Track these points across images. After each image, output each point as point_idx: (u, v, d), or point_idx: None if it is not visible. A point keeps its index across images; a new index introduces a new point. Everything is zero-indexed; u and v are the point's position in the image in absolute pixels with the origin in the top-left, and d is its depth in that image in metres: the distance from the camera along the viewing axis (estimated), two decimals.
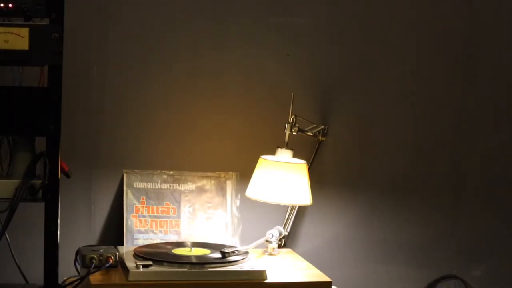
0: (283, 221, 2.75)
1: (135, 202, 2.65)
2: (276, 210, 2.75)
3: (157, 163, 2.71)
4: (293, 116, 2.69)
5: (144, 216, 2.65)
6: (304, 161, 2.66)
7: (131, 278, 2.27)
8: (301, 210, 2.81)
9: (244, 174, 2.72)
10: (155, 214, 2.66)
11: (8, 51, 2.06)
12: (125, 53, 2.68)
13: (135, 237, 2.62)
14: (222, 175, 2.74)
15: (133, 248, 2.49)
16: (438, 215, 2.94)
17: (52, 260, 2.15)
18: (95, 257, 2.33)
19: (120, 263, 2.38)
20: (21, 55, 2.07)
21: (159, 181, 2.69)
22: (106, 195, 2.69)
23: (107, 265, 2.33)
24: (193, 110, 2.75)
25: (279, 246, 2.71)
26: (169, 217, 2.67)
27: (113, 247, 2.47)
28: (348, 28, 2.85)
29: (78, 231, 2.66)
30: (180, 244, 2.55)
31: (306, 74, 2.82)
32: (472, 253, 2.97)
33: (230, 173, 2.75)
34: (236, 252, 2.44)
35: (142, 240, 2.62)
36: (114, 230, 2.67)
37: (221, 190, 2.74)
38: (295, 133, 2.69)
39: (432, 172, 2.93)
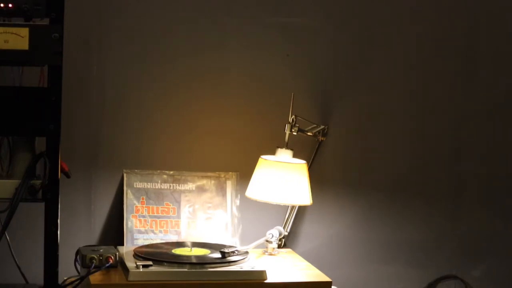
0: (283, 221, 2.75)
1: (135, 202, 2.65)
2: (276, 210, 2.75)
3: (157, 163, 2.71)
4: (293, 116, 2.69)
5: (144, 216, 2.65)
6: (304, 161, 2.66)
7: (131, 278, 2.27)
8: (301, 210, 2.81)
9: (244, 174, 2.72)
10: (155, 214, 2.66)
11: (8, 51, 2.06)
12: (125, 53, 2.68)
13: (135, 237, 2.62)
14: (222, 175, 2.74)
15: (133, 248, 2.49)
16: (438, 215, 2.94)
17: (52, 260, 2.15)
18: (95, 257, 2.33)
19: (120, 263, 2.38)
20: (21, 55, 2.07)
21: (159, 181, 2.69)
22: (106, 195, 2.69)
23: (107, 265, 2.33)
24: (193, 110, 2.75)
25: (279, 246, 2.71)
26: (169, 217, 2.67)
27: (113, 247, 2.47)
28: (348, 28, 2.85)
29: (78, 231, 2.66)
30: (180, 244, 2.55)
31: (306, 74, 2.82)
32: (472, 253, 2.97)
33: (230, 173, 2.75)
34: (236, 252, 2.44)
35: (142, 240, 2.62)
36: (114, 230, 2.67)
37: (221, 190, 2.74)
38: (295, 133, 2.69)
39: (432, 172, 2.93)
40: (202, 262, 2.37)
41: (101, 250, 2.38)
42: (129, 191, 2.66)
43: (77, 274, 2.41)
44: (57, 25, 2.09)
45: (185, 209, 2.69)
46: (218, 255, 2.41)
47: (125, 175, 2.66)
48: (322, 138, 2.81)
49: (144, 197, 2.66)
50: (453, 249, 2.95)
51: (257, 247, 2.61)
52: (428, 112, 2.92)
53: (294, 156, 2.66)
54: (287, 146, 2.66)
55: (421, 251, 2.93)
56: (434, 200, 2.94)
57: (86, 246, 2.46)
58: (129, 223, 2.63)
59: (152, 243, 2.60)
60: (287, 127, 2.68)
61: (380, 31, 2.87)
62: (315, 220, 2.85)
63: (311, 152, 2.81)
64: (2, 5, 2.08)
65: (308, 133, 2.75)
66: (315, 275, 2.48)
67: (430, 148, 2.93)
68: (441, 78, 2.92)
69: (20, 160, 2.18)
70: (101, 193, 2.69)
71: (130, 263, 2.33)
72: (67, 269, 2.44)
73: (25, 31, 2.06)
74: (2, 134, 2.17)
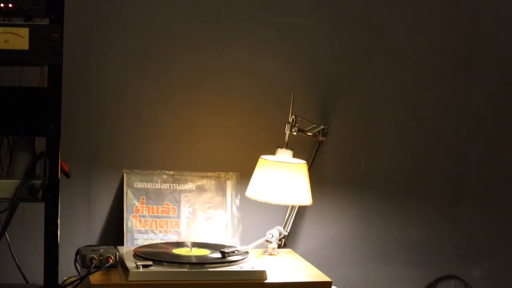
0: (283, 221, 2.75)
1: (135, 202, 2.65)
2: (276, 210, 2.75)
3: (157, 163, 2.71)
4: (293, 116, 2.69)
5: (144, 216, 2.65)
6: (304, 161, 2.66)
7: (131, 278, 2.27)
8: (301, 210, 2.81)
9: (244, 174, 2.72)
10: (155, 214, 2.66)
11: (8, 51, 2.05)
12: (125, 53, 2.68)
13: (135, 237, 2.62)
14: (222, 175, 2.74)
15: (133, 248, 2.49)
16: (438, 215, 2.94)
17: (52, 260, 2.15)
18: (95, 257, 2.33)
19: (120, 263, 2.38)
20: (21, 55, 2.06)
21: (159, 181, 2.69)
22: (106, 195, 2.69)
23: (107, 265, 2.33)
24: (193, 110, 2.75)
25: (279, 246, 2.71)
26: (169, 217, 2.67)
27: (113, 247, 2.47)
28: (348, 28, 2.85)
29: (78, 231, 2.66)
30: (180, 244, 2.55)
31: (306, 74, 2.82)
32: (472, 253, 2.97)
33: (230, 173, 2.75)
34: (236, 252, 2.44)
35: (142, 240, 2.62)
36: (114, 230, 2.67)
37: (221, 190, 2.74)
38: (295, 133, 2.69)
39: (432, 172, 2.93)
40: (202, 262, 2.37)
41: (101, 250, 2.38)
42: (129, 191, 2.66)
43: (77, 274, 2.41)
44: (57, 25, 2.09)
45: (185, 209, 2.69)
46: (218, 255, 2.41)
47: (125, 175, 2.66)
48: (322, 138, 2.81)
49: (144, 197, 2.67)
50: (453, 249, 2.95)
51: (257, 247, 2.61)
52: (428, 112, 2.92)
53: (294, 156, 2.66)
54: (287, 146, 2.66)
55: (421, 251, 2.93)
56: (434, 200, 2.94)
57: (86, 246, 2.46)
58: (129, 223, 2.63)
59: (152, 243, 2.60)
60: (287, 127, 2.68)
61: (380, 31, 2.87)
62: (315, 220, 2.85)
63: (311, 152, 2.81)
64: (2, 5, 2.08)
65: (308, 133, 2.75)
66: (315, 275, 2.48)
67: (430, 148, 2.93)
68: (441, 78, 2.92)
69: (20, 160, 2.18)
70: (101, 193, 2.69)
71: (130, 263, 2.33)
72: (67, 269, 2.44)
73: (25, 31, 2.06)
74: (2, 134, 2.17)
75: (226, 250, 2.41)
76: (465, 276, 2.95)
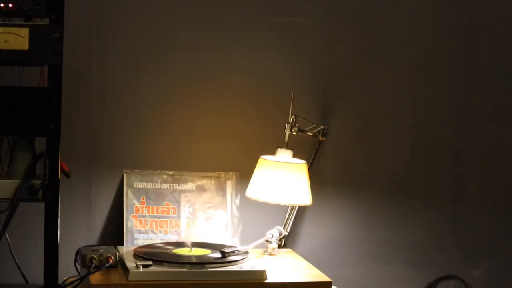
0: (283, 221, 2.75)
1: (135, 202, 2.65)
2: (276, 210, 2.75)
3: (157, 163, 2.71)
4: (293, 116, 2.69)
5: (144, 216, 2.65)
6: (304, 161, 2.66)
7: (131, 278, 2.27)
8: (301, 210, 2.81)
9: (244, 174, 2.72)
10: (155, 214, 2.66)
11: (8, 51, 2.06)
12: (125, 53, 2.68)
13: (135, 237, 2.62)
14: (222, 175, 2.74)
15: (133, 248, 2.49)
16: (438, 215, 2.94)
17: (52, 260, 2.15)
18: (95, 257, 2.33)
19: (120, 263, 2.38)
20: (21, 55, 2.07)
21: (159, 181, 2.69)
22: (106, 195, 2.69)
23: (107, 265, 2.33)
24: (193, 110, 2.75)
25: (279, 246, 2.71)
26: (169, 217, 2.67)
27: (113, 247, 2.47)
28: (348, 28, 2.85)
29: (78, 231, 2.66)
30: (180, 244, 2.55)
31: (306, 74, 2.82)
32: (472, 253, 2.97)
33: (230, 173, 2.75)
34: (236, 252, 2.44)
35: (142, 240, 2.62)
36: (114, 230, 2.67)
37: (221, 190, 2.74)
38: (295, 133, 2.69)
39: (432, 172, 2.94)
40: (202, 262, 2.37)
41: (101, 250, 2.38)
42: (129, 191, 2.66)
43: (77, 274, 2.41)
44: (57, 25, 2.09)
45: (185, 209, 2.69)
46: (218, 255, 2.42)
47: (125, 175, 2.66)
48: (322, 138, 2.81)
49: (144, 197, 2.67)
50: (453, 249, 2.95)
51: (257, 247, 2.61)
52: (428, 112, 2.92)
53: (294, 156, 2.66)
54: (287, 146, 2.66)
55: (421, 251, 2.93)
56: (434, 200, 2.94)
57: (86, 246, 2.46)
58: (129, 223, 2.63)
59: (152, 243, 2.60)
60: (287, 127, 2.68)
61: (380, 31, 2.87)
62: (315, 220, 2.85)
63: (311, 152, 2.81)
64: (2, 5, 2.08)
65: (308, 133, 2.75)
66: (315, 275, 2.48)
67: (430, 148, 2.93)
68: (441, 78, 2.92)
69: (20, 160, 2.18)
70: (101, 193, 2.69)
71: (130, 263, 2.33)
72: (67, 269, 2.44)
73: (25, 31, 2.06)
74: (2, 134, 2.17)
75: (226, 250, 2.41)
76: (465, 276, 2.95)
